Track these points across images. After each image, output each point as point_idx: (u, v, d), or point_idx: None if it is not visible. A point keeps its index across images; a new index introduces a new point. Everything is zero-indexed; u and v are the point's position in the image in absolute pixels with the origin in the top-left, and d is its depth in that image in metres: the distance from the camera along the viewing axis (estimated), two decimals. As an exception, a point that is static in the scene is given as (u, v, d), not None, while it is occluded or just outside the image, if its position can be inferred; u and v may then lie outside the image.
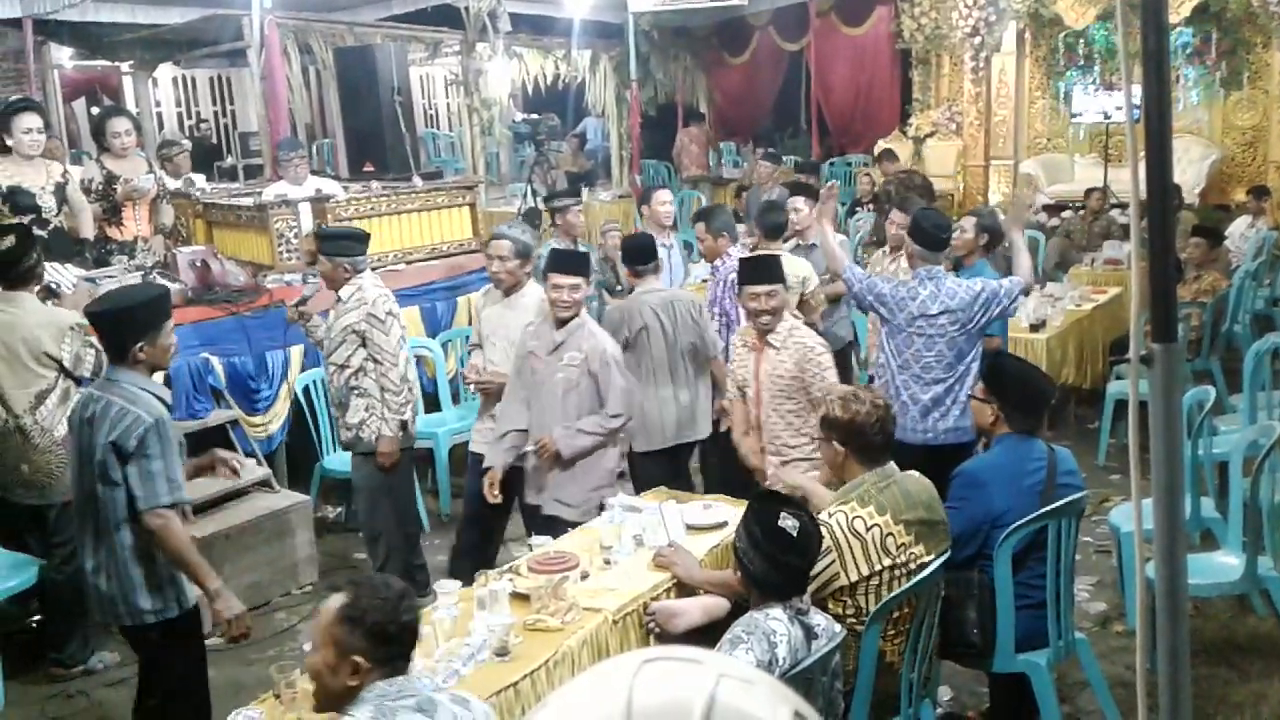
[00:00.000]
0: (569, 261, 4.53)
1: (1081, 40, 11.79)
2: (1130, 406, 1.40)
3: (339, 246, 4.88)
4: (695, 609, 3.37)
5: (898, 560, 3.26)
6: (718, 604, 3.37)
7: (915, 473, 3.54)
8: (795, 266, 5.94)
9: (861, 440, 3.39)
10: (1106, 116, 10.67)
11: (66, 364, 4.49)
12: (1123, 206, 10.42)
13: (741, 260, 4.89)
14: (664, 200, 6.82)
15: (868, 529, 3.25)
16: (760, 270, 4.53)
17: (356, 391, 4.82)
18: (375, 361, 4.78)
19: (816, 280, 5.96)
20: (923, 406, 4.70)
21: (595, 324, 4.58)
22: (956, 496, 3.66)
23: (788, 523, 2.92)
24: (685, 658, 0.76)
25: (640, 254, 5.28)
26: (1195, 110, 11.51)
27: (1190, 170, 10.86)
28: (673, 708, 0.71)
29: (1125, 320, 7.63)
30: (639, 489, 5.05)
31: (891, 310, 4.75)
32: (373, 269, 6.49)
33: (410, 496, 5.25)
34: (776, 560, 2.90)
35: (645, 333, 5.04)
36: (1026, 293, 4.93)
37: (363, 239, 5.07)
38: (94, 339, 4.45)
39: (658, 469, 4.98)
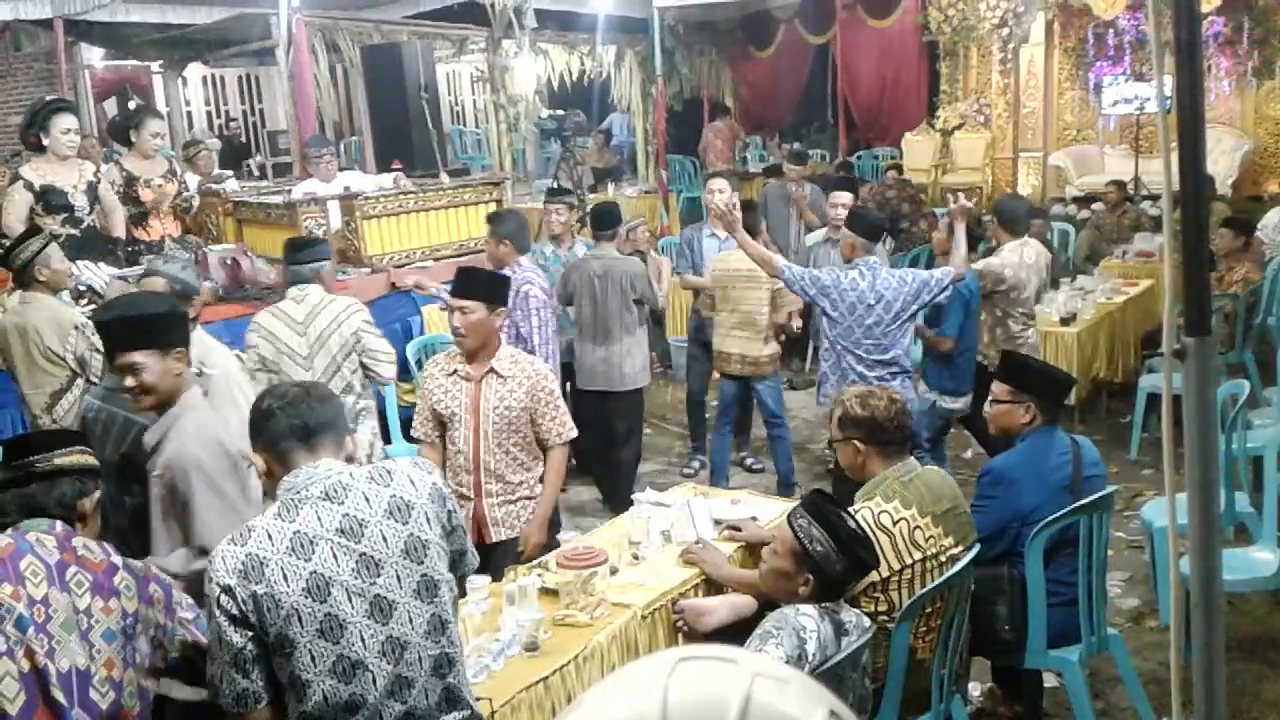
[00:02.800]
0: (134, 330, 3.04)
1: (1111, 30, 11.68)
2: (1164, 400, 1.39)
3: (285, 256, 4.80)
4: (723, 607, 3.36)
5: (928, 553, 3.25)
6: (746, 602, 3.36)
7: (934, 467, 3.57)
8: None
9: (881, 436, 3.38)
10: (1140, 109, 10.55)
11: (70, 364, 4.49)
12: (1154, 198, 10.32)
13: (457, 270, 4.41)
14: (713, 189, 6.70)
15: (895, 523, 3.24)
16: (467, 283, 4.05)
17: None
18: None
19: None
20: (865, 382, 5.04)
21: (192, 419, 3.09)
22: (984, 495, 3.64)
23: (852, 522, 2.96)
24: (720, 656, 0.76)
25: (598, 221, 6.09)
26: (1227, 100, 11.38)
27: (1223, 161, 10.74)
28: (708, 706, 0.71)
29: (1157, 313, 7.58)
30: (578, 423, 5.41)
31: (834, 301, 4.98)
32: (398, 266, 6.62)
33: None
34: (858, 560, 2.91)
35: (579, 292, 5.85)
36: (955, 281, 5.14)
37: (295, 248, 4.83)
38: (99, 342, 4.46)
39: (589, 407, 5.79)
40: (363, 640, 2.18)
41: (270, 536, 2.17)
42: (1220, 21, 10.89)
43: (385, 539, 2.22)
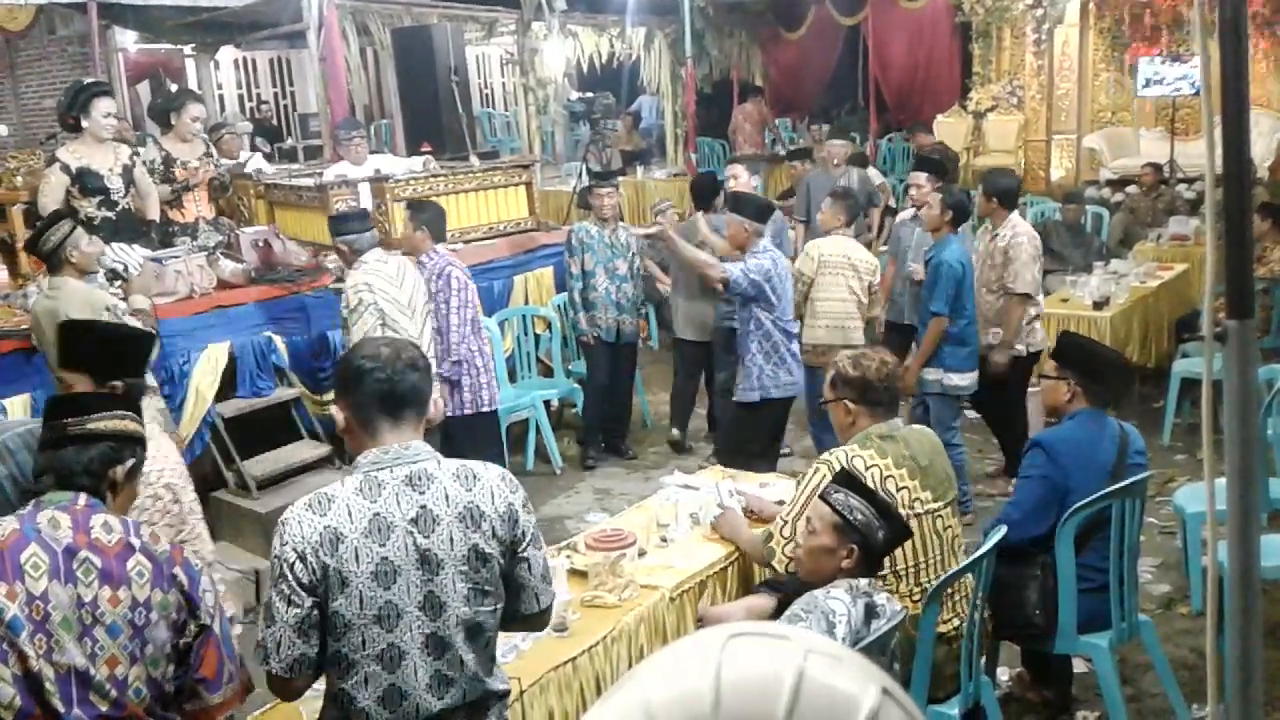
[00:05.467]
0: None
1: (1148, 10, 11.51)
2: (1204, 384, 1.38)
3: (338, 228, 5.02)
4: (740, 611, 3.39)
5: (901, 503, 3.25)
6: (763, 606, 3.38)
7: (920, 426, 3.67)
8: (865, 254, 5.87)
9: (872, 396, 3.42)
10: (1177, 90, 10.38)
11: None
12: (1190, 181, 10.19)
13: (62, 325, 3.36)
14: (731, 174, 6.67)
15: (866, 469, 3.26)
16: (72, 347, 2.85)
17: None
18: None
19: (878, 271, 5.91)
20: (795, 359, 5.41)
21: None
22: (1029, 465, 3.66)
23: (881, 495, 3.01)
24: (773, 633, 0.76)
25: (696, 192, 6.67)
26: (1265, 82, 11.18)
27: (1259, 143, 10.56)
28: (762, 682, 0.71)
29: (1191, 298, 7.50)
30: (678, 367, 6.63)
31: (775, 286, 5.17)
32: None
33: None
34: (900, 526, 2.94)
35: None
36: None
37: (357, 218, 5.15)
38: (135, 324, 4.52)
39: (682, 352, 6.61)
40: (412, 632, 2.20)
41: (350, 513, 2.17)
42: (1258, 1, 10.69)
43: (452, 541, 2.22)
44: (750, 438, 5.41)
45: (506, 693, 2.41)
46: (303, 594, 2.14)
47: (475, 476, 2.28)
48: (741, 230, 5.16)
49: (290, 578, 2.14)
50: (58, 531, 2.25)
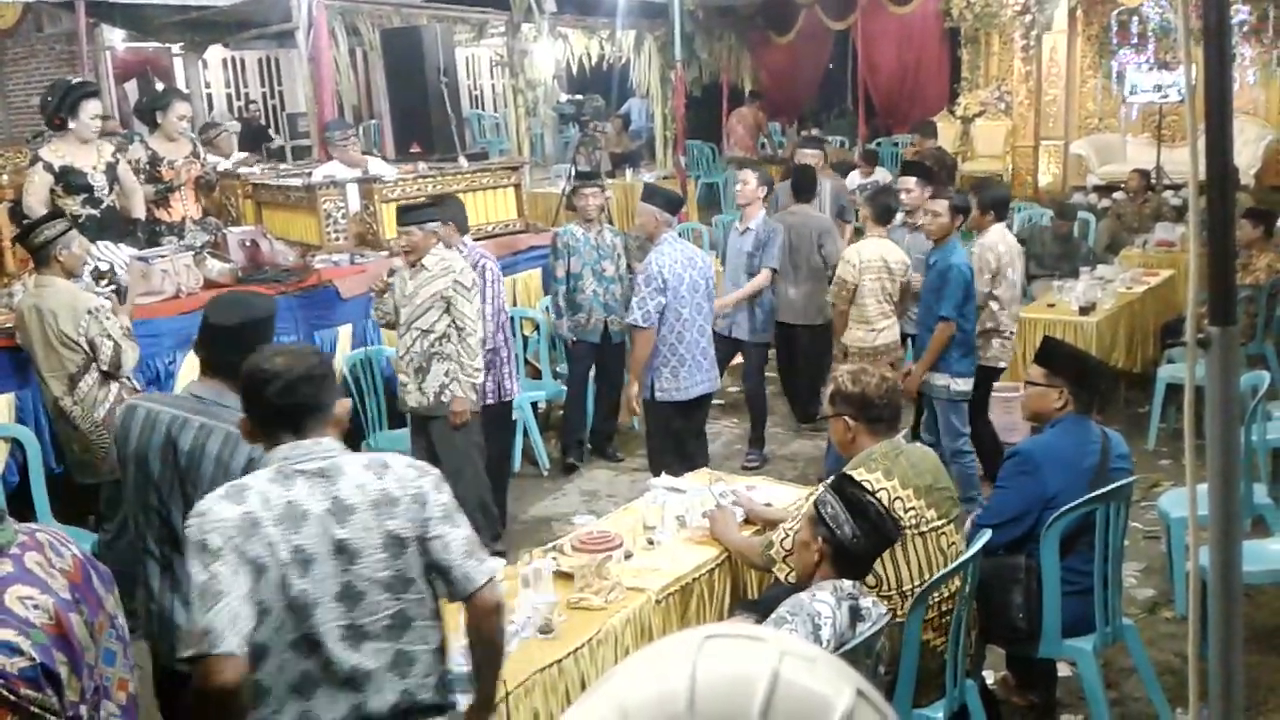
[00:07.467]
0: None
1: (1135, 18, 11.57)
2: (1187, 390, 1.38)
3: (424, 215, 5.06)
4: None
5: (907, 523, 3.26)
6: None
7: (919, 445, 3.63)
8: (899, 254, 5.89)
9: (871, 412, 3.41)
10: (1164, 97, 10.43)
11: (84, 347, 4.50)
12: (1176, 187, 10.24)
13: None
14: (742, 179, 6.54)
15: (874, 493, 3.25)
16: None
17: (438, 357, 4.92)
18: (458, 329, 4.89)
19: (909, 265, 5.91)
20: (708, 356, 5.45)
21: None
22: (1009, 475, 3.66)
23: (872, 499, 3.00)
24: (748, 635, 0.76)
25: (798, 185, 6.85)
26: (1251, 90, 11.25)
27: (1246, 151, 10.64)
28: (737, 684, 0.71)
29: (1177, 303, 7.54)
30: (777, 350, 6.90)
31: (675, 288, 5.23)
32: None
33: (481, 463, 5.21)
34: (873, 527, 2.92)
35: (780, 244, 6.39)
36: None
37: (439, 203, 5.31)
38: (111, 330, 4.51)
39: (785, 336, 6.79)
40: (327, 623, 2.19)
41: (266, 500, 2.17)
42: (1246, 10, 10.76)
43: (367, 529, 2.23)
44: (657, 445, 5.45)
45: (444, 708, 2.36)
46: (244, 568, 2.12)
47: (386, 465, 2.31)
48: (652, 219, 5.29)
49: (227, 556, 2.10)
50: (55, 581, 1.87)
